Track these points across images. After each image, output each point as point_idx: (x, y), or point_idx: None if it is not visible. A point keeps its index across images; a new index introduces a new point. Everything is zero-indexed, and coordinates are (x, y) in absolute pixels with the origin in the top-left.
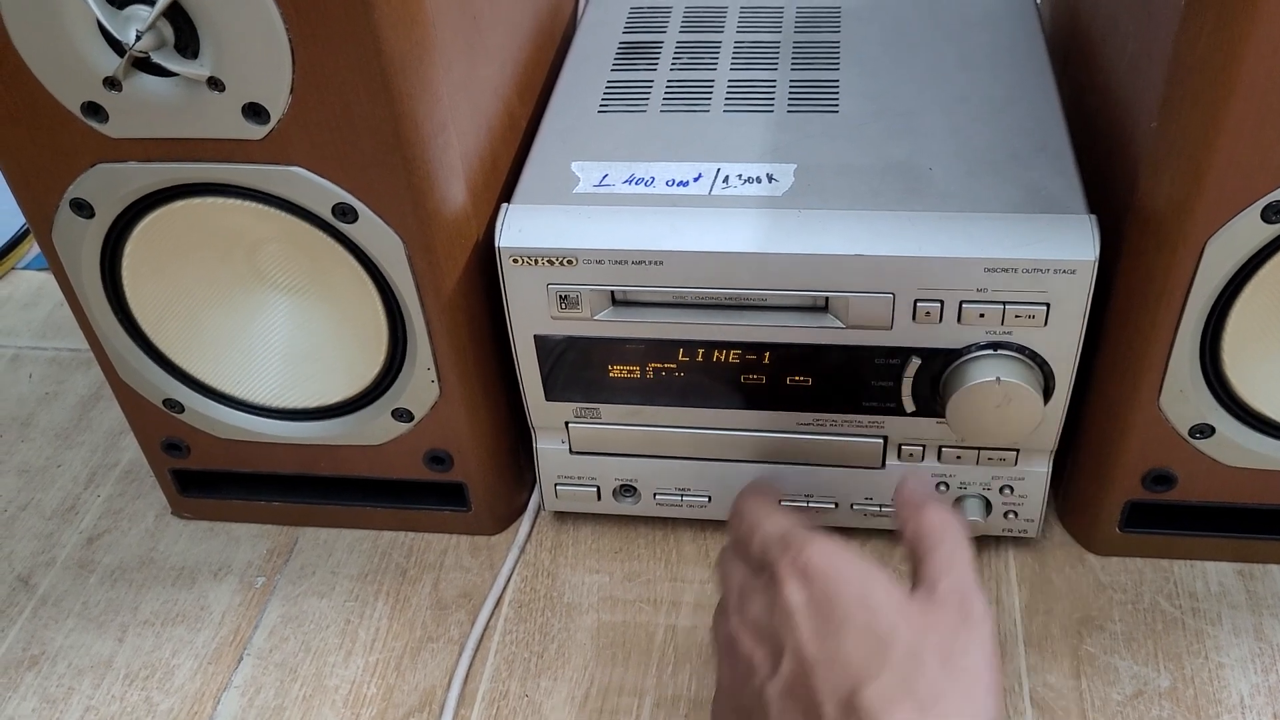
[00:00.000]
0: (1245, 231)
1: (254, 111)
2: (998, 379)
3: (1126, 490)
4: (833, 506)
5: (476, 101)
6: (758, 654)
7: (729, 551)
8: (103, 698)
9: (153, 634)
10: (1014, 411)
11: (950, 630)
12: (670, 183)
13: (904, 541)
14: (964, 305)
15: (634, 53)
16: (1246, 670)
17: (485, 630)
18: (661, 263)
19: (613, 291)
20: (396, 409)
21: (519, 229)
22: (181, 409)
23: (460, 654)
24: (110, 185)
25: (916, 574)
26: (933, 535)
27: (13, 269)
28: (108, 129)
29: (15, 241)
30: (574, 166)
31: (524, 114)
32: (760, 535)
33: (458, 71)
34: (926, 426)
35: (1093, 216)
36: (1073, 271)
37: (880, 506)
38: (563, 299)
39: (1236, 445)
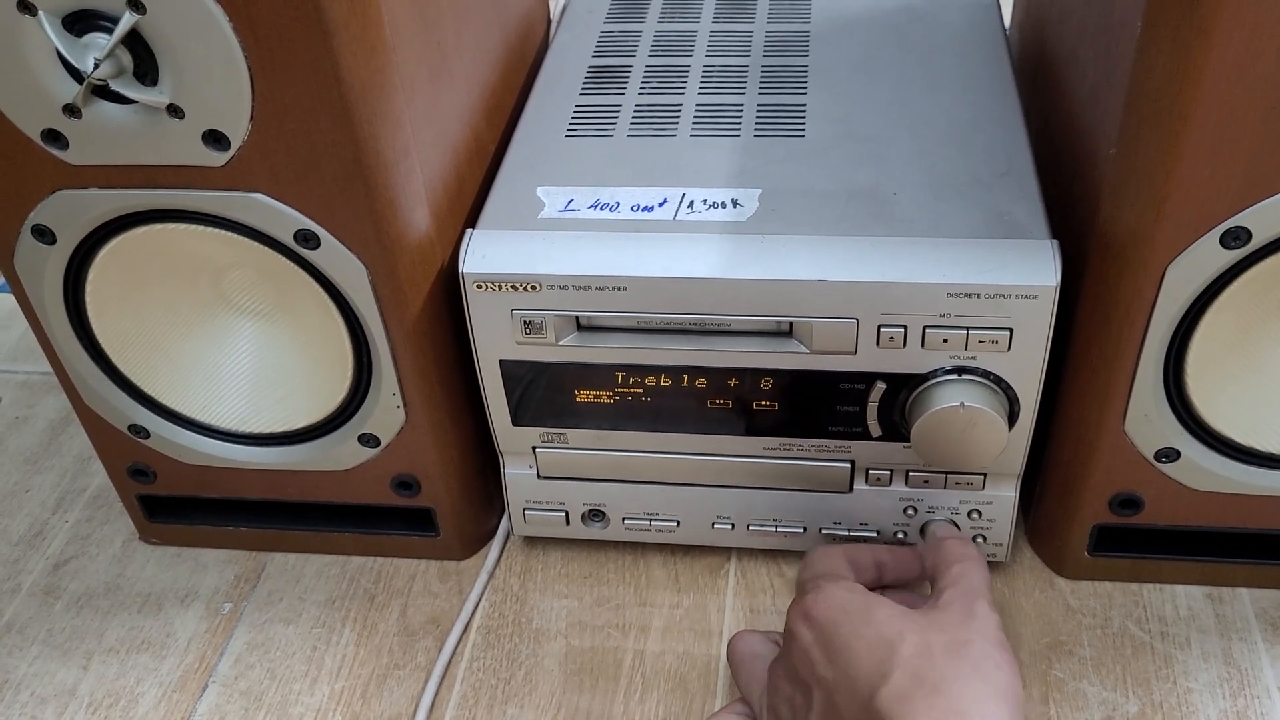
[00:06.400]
0: (1205, 257)
1: (214, 138)
2: (961, 404)
3: (1094, 514)
4: (801, 530)
5: (441, 127)
6: (797, 697)
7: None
8: None
9: (117, 662)
10: (979, 436)
11: (955, 626)
12: (635, 208)
13: (925, 573)
14: (927, 330)
15: (603, 77)
16: (1215, 695)
17: (453, 657)
18: (625, 288)
19: (577, 317)
20: (363, 434)
21: (483, 255)
22: (147, 434)
23: (427, 681)
24: (72, 212)
25: (932, 595)
26: (947, 559)
27: None
28: (68, 156)
29: None
30: (540, 191)
31: (492, 138)
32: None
33: (421, 98)
34: (893, 451)
35: (1055, 242)
36: (1034, 297)
37: (849, 530)
38: (527, 324)
39: (1202, 469)
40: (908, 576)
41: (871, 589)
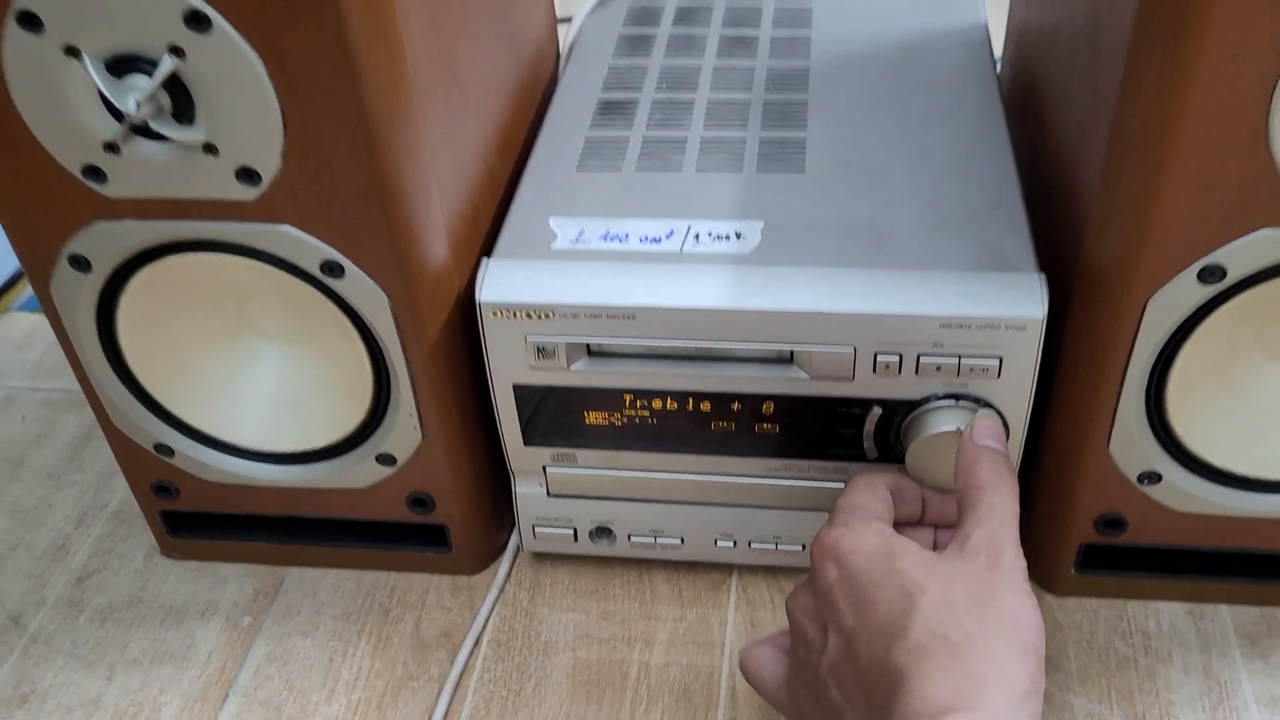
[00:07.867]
0: (1183, 292)
1: (246, 174)
2: (958, 429)
3: (1080, 533)
4: (800, 549)
5: (458, 160)
6: (811, 631)
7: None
8: None
9: (140, 673)
10: None
11: (979, 578)
12: (643, 239)
13: (957, 493)
14: (921, 359)
15: (612, 111)
16: (1195, 708)
17: (464, 669)
18: (634, 317)
19: (588, 344)
20: (380, 454)
21: (499, 283)
22: (172, 453)
23: (440, 693)
24: (107, 242)
25: (957, 528)
26: (979, 489)
27: (6, 311)
28: (106, 189)
29: (8, 285)
30: (552, 223)
31: (504, 171)
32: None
33: (439, 131)
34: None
35: (1042, 275)
36: (1023, 328)
37: None
38: (540, 350)
39: (1183, 491)
40: (949, 521)
41: (909, 523)
